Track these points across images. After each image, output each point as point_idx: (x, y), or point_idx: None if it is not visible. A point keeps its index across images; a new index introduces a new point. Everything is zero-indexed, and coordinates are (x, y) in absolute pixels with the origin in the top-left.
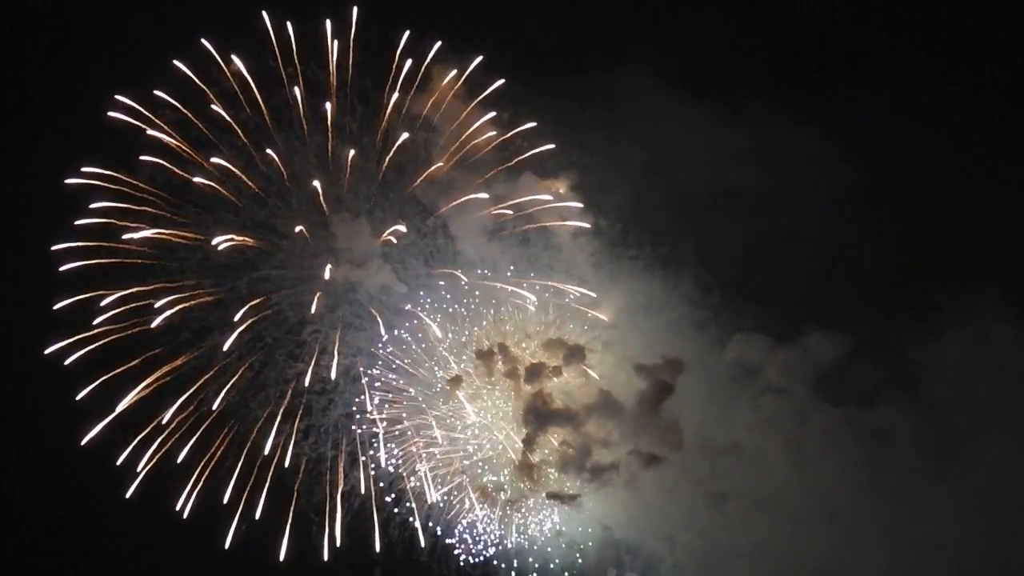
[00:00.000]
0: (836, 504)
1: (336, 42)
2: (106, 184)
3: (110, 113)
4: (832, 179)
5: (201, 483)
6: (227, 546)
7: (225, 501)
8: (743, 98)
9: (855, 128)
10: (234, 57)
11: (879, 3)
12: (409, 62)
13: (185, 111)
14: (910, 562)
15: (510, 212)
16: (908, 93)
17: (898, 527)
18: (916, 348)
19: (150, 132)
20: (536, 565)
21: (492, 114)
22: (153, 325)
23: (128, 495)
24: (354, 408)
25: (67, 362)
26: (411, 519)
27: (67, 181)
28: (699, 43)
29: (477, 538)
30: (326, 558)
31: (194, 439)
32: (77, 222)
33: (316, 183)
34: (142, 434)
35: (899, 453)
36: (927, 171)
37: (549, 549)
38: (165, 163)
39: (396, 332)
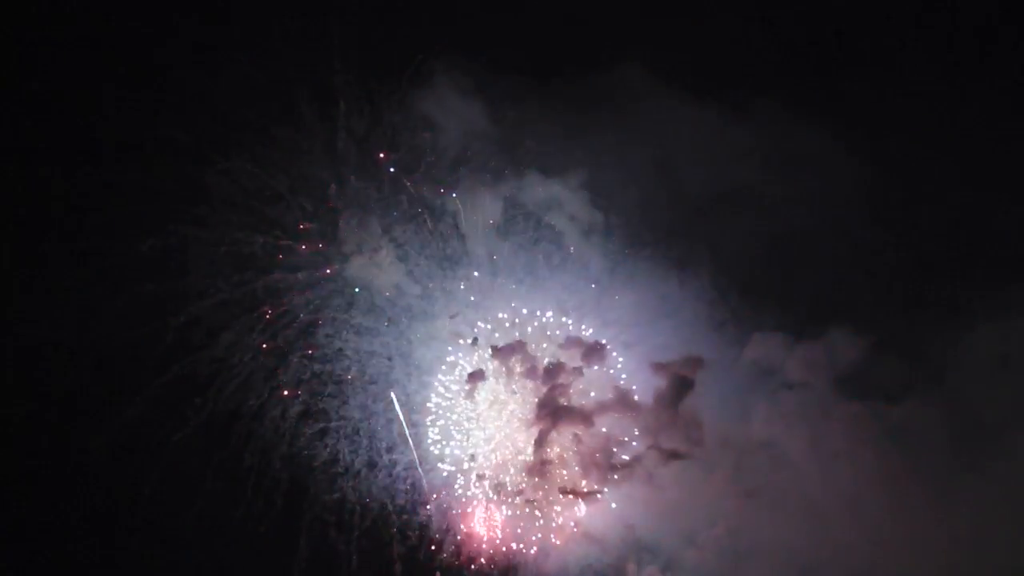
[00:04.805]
0: (861, 501)
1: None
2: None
3: None
4: (849, 176)
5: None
6: (240, 548)
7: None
8: (753, 96)
9: (873, 124)
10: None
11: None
12: (415, 60)
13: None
14: (936, 559)
15: (519, 212)
16: (925, 86)
17: (924, 524)
18: (941, 343)
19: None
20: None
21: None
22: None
23: (139, 498)
24: (368, 408)
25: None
26: (429, 519)
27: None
28: (706, 42)
29: (494, 537)
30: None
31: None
32: None
33: (324, 182)
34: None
35: (925, 449)
36: (948, 166)
37: (568, 547)
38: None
39: (408, 333)
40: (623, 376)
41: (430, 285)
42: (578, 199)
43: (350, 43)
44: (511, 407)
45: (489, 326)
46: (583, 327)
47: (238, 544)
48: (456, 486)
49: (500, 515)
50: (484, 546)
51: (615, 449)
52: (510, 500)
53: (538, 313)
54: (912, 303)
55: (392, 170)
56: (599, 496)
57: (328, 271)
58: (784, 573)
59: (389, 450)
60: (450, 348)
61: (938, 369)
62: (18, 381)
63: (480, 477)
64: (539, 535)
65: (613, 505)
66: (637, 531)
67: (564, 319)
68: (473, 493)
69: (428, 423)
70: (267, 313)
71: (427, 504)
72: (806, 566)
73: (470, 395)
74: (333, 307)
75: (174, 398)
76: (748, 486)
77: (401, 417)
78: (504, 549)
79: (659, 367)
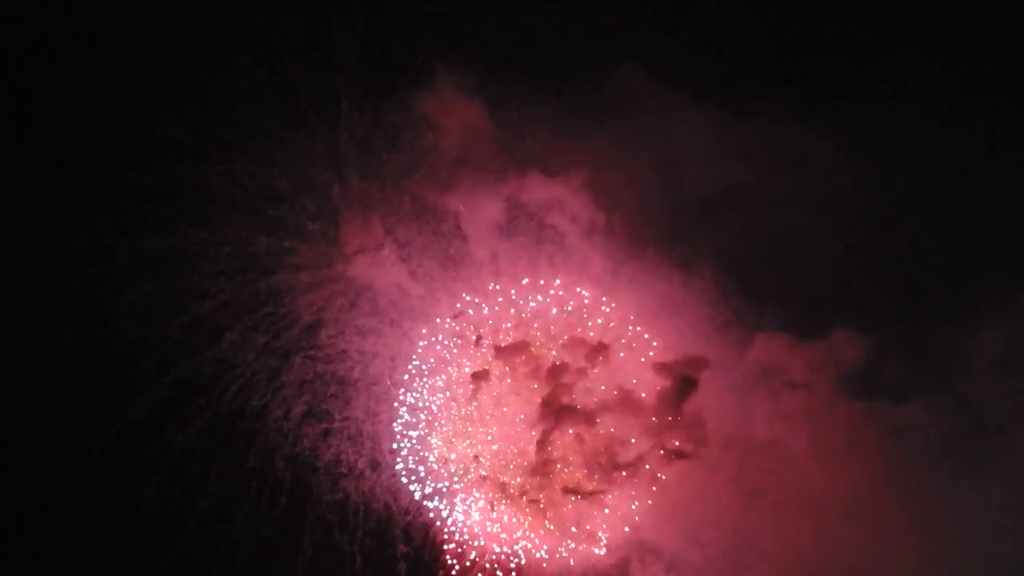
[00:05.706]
0: (864, 502)
1: (342, 39)
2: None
3: None
4: (852, 175)
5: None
6: (243, 549)
7: (241, 503)
8: (755, 96)
9: (874, 123)
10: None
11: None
12: (416, 61)
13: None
14: (940, 561)
15: (520, 212)
16: (927, 84)
17: (928, 525)
18: (946, 343)
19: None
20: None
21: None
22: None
23: (142, 499)
24: (371, 409)
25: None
26: (433, 520)
27: None
28: (708, 42)
29: (497, 538)
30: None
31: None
32: None
33: (327, 183)
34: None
35: (929, 449)
36: (951, 164)
37: (570, 547)
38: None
39: (410, 333)
40: (626, 376)
41: (433, 285)
42: (580, 199)
43: (350, 43)
44: (514, 407)
45: (491, 325)
46: (586, 327)
47: (241, 545)
48: (459, 487)
49: (503, 516)
50: (487, 547)
51: (619, 449)
52: (513, 501)
53: (541, 313)
54: (916, 303)
55: (394, 171)
56: (602, 496)
57: (331, 272)
58: (788, 574)
59: (392, 451)
60: (453, 348)
61: (942, 369)
62: (20, 381)
63: (483, 478)
64: (542, 536)
65: (616, 505)
66: (640, 531)
67: (566, 319)
68: (476, 494)
69: (431, 424)
70: (270, 314)
71: (431, 505)
72: (810, 567)
73: (473, 395)
74: (336, 308)
75: (177, 399)
76: (752, 486)
77: (404, 418)
78: (507, 550)
79: (662, 367)
